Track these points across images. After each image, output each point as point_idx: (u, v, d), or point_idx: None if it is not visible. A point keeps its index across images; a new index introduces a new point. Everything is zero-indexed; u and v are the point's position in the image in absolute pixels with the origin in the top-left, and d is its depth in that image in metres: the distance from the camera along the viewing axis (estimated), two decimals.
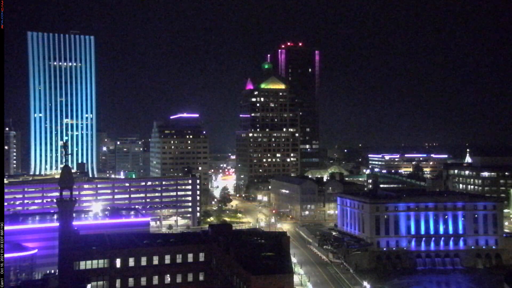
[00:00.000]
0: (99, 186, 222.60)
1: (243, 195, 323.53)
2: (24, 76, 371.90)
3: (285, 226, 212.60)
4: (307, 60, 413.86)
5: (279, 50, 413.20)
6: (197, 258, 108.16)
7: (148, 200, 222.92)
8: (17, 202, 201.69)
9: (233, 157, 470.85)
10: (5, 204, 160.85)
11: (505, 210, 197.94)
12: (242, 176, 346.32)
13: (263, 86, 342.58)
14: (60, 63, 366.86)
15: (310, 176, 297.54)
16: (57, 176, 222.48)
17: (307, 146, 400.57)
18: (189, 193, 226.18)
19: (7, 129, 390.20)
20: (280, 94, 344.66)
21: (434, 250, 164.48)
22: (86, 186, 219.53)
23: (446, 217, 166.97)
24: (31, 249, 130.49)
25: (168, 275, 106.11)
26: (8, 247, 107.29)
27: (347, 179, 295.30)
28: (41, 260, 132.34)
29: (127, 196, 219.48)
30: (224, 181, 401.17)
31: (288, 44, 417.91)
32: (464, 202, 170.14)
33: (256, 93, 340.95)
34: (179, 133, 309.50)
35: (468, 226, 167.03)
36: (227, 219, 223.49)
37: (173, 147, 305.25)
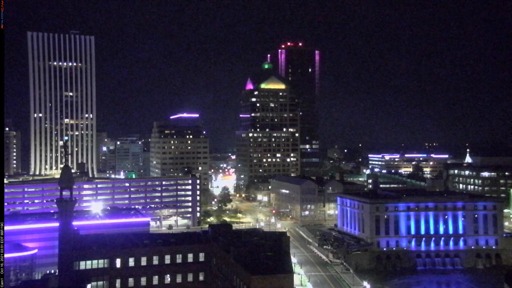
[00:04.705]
0: (99, 186, 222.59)
1: (243, 195, 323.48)
2: (24, 76, 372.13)
3: (285, 226, 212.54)
4: (307, 60, 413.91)
5: (279, 50, 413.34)
6: (197, 258, 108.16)
7: (148, 200, 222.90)
8: (17, 202, 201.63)
9: (233, 157, 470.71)
10: (5, 204, 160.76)
11: (505, 210, 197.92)
12: (242, 176, 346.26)
13: (263, 86, 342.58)
14: (60, 63, 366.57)
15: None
16: (57, 176, 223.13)
17: (307, 146, 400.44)
18: (189, 193, 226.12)
19: (7, 129, 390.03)
20: (280, 94, 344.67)
21: (434, 250, 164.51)
22: (86, 186, 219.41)
23: (446, 217, 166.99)
24: (31, 249, 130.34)
25: (168, 275, 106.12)
26: (8, 247, 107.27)
27: (347, 179, 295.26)
28: (41, 260, 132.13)
29: (127, 196, 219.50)
30: (224, 181, 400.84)
31: (288, 44, 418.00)
32: (464, 202, 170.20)
33: (256, 93, 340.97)
34: (179, 133, 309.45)
35: (468, 226, 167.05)
36: (227, 219, 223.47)
37: (173, 147, 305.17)
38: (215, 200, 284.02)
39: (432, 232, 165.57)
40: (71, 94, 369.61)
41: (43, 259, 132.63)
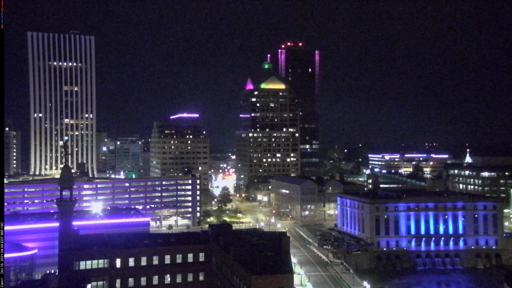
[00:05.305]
0: (99, 186, 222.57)
1: (243, 195, 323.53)
2: (24, 76, 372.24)
3: (285, 226, 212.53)
4: (307, 60, 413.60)
5: (279, 50, 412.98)
6: (197, 258, 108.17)
7: (148, 200, 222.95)
8: (17, 202, 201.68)
9: (233, 157, 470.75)
10: (5, 204, 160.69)
11: (505, 210, 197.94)
12: (242, 176, 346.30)
13: (263, 86, 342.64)
14: (60, 63, 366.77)
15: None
16: (57, 176, 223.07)
17: (307, 146, 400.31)
18: (189, 193, 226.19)
19: (7, 129, 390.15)
20: (280, 94, 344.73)
21: (434, 250, 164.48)
22: (86, 186, 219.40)
23: (446, 217, 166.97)
24: (31, 249, 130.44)
25: (168, 275, 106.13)
26: (8, 247, 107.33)
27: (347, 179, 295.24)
28: (41, 260, 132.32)
29: (127, 196, 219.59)
30: (224, 181, 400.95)
31: (288, 44, 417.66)
32: (464, 202, 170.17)
33: (256, 93, 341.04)
34: (179, 133, 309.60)
35: (468, 226, 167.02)
36: (227, 219, 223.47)
37: (173, 147, 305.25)
38: (215, 200, 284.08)
39: (432, 232, 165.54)
40: (71, 94, 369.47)
41: (43, 259, 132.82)
